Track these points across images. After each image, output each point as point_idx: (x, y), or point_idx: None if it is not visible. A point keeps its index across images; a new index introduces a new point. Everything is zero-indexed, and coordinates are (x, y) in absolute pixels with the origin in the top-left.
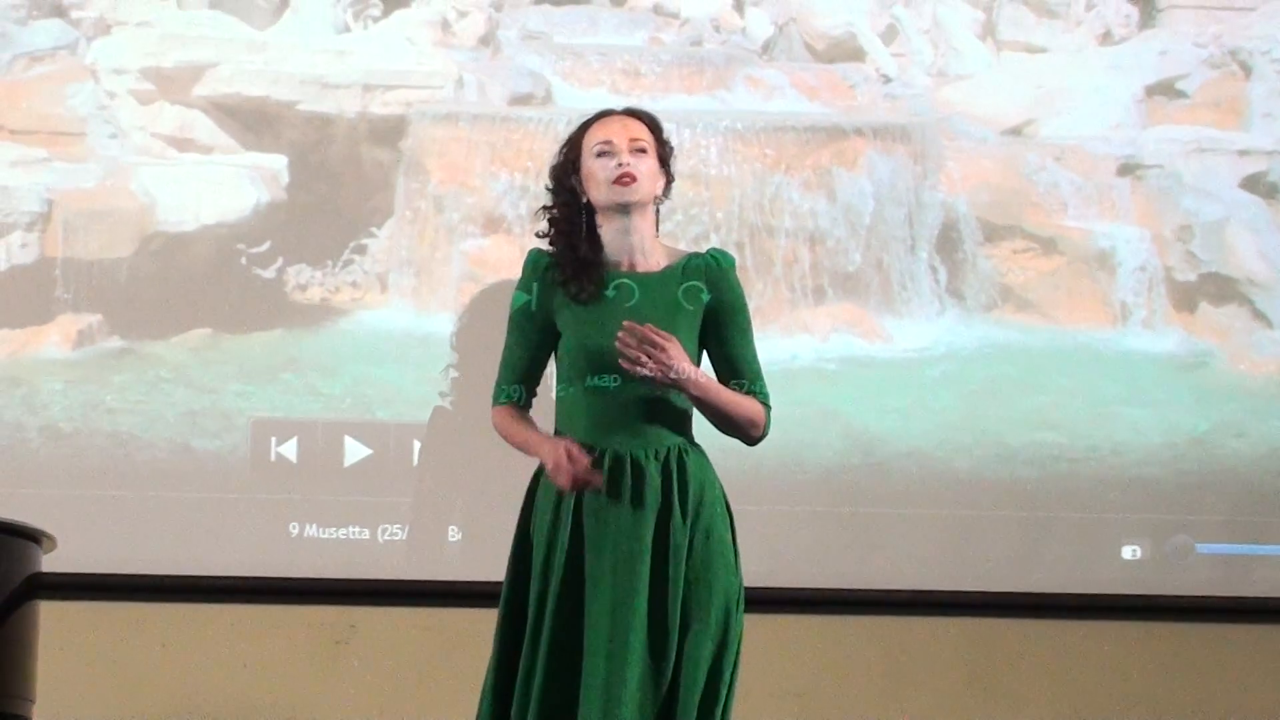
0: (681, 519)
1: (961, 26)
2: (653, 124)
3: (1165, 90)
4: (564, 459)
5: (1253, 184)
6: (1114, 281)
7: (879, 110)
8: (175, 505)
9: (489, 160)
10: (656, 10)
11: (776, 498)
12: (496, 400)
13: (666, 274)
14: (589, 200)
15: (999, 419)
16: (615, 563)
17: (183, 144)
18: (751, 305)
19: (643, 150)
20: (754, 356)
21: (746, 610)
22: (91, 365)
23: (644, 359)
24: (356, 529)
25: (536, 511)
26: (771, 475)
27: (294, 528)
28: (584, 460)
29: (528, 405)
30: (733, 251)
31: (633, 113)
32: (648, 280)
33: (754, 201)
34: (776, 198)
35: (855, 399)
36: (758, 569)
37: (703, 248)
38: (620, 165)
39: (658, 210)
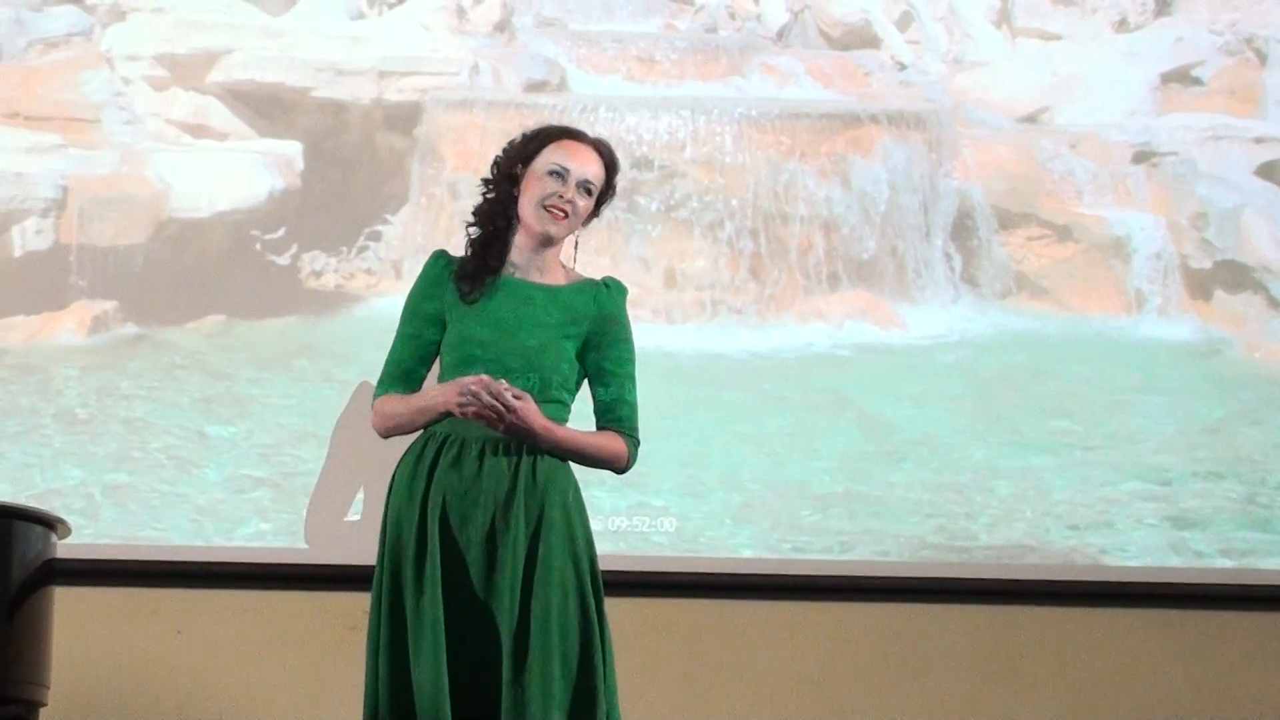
0: (523, 521)
1: (977, 13)
2: (611, 168)
3: (1181, 77)
4: (465, 387)
5: (1268, 171)
6: (1129, 269)
7: (894, 97)
8: (189, 491)
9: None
10: None
11: (790, 484)
12: (379, 394)
13: (565, 290)
14: (518, 200)
15: (1013, 406)
16: (452, 552)
17: (197, 130)
18: (765, 292)
19: (589, 192)
20: (630, 387)
21: (759, 597)
22: (106, 351)
23: (492, 416)
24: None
25: (393, 497)
26: (786, 462)
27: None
28: (489, 381)
29: None
30: (747, 239)
31: (600, 150)
32: (547, 291)
33: (769, 189)
34: (791, 185)
35: (869, 386)
36: (771, 556)
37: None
38: (560, 197)
39: (575, 242)
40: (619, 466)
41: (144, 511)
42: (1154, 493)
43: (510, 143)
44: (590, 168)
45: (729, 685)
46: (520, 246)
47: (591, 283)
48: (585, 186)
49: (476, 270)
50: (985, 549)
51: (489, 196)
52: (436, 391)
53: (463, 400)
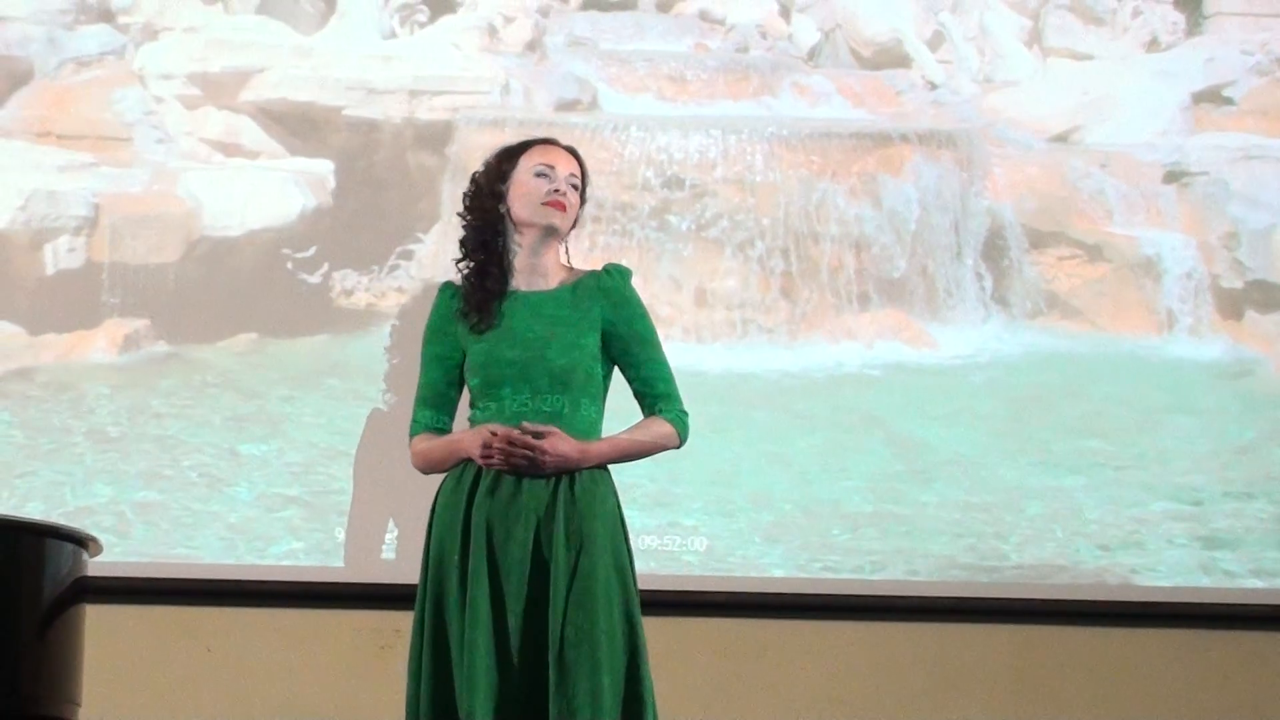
0: (565, 535)
1: (1008, 33)
2: (584, 169)
3: (1212, 97)
4: (490, 439)
5: None
6: (1160, 289)
7: (925, 117)
8: (221, 510)
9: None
10: (703, 16)
11: (821, 504)
12: (414, 431)
13: (567, 289)
14: (509, 211)
15: (1044, 426)
16: (495, 571)
17: (229, 149)
18: (796, 312)
19: (575, 187)
20: (661, 371)
21: (789, 616)
22: (138, 370)
23: (524, 465)
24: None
25: (435, 520)
26: (816, 481)
27: (339, 532)
28: (505, 432)
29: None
30: (777, 258)
31: (574, 154)
32: (555, 298)
33: (799, 208)
34: (822, 204)
35: (900, 406)
36: (801, 575)
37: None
38: (557, 191)
39: (566, 244)
40: (673, 445)
41: (175, 530)
42: (1185, 513)
43: (476, 174)
44: (571, 166)
45: (759, 704)
46: (518, 261)
47: (593, 274)
48: (571, 182)
49: (481, 301)
50: (1016, 569)
51: (474, 224)
52: (467, 437)
53: (485, 453)
